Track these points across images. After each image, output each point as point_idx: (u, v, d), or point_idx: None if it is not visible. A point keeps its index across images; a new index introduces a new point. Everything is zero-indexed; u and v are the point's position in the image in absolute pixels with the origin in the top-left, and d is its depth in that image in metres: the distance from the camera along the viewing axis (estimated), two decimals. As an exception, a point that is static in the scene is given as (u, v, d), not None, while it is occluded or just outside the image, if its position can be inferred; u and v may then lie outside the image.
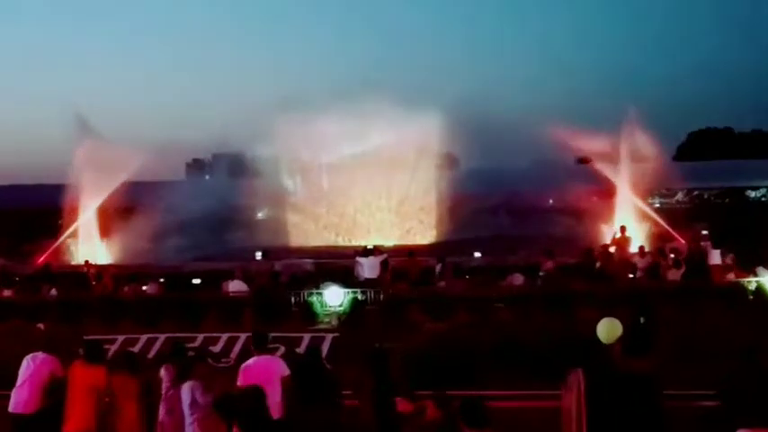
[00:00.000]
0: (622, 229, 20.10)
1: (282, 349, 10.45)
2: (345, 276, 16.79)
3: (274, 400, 7.58)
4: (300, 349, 11.89)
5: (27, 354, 8.85)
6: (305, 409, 7.89)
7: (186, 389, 7.67)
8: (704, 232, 20.90)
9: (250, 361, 8.20)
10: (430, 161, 28.69)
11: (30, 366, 8.64)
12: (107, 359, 9.19)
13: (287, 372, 8.04)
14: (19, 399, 8.53)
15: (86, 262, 20.20)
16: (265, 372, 7.93)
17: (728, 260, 17.06)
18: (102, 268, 19.38)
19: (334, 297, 14.39)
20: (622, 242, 19.39)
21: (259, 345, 8.37)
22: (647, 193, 24.83)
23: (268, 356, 8.32)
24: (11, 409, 8.55)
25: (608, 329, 7.88)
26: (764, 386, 7.45)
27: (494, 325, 13.04)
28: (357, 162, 27.15)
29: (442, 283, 16.14)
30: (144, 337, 13.17)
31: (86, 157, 24.75)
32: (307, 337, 12.80)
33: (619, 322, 8.01)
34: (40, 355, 8.76)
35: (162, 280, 17.50)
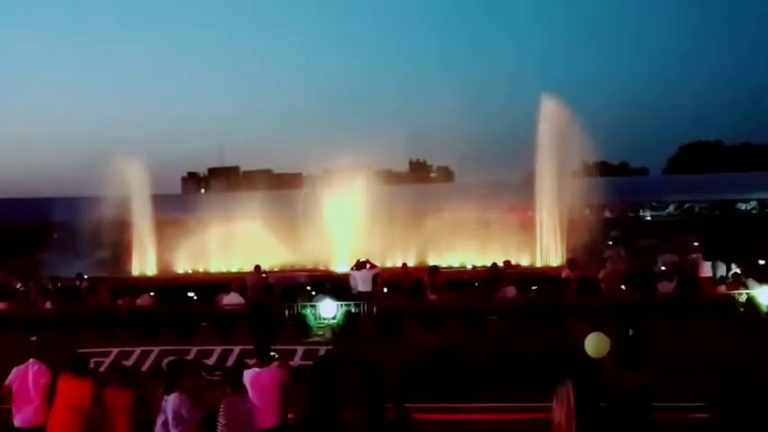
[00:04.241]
0: (614, 241, 20.26)
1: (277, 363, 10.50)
2: (339, 289, 16.84)
3: (275, 409, 7.96)
4: (294, 362, 11.96)
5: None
6: (314, 422, 8.02)
7: (172, 400, 7.69)
8: (695, 244, 21.05)
9: (254, 370, 8.31)
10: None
11: (29, 379, 8.63)
12: (99, 372, 9.21)
13: (285, 379, 8.21)
14: (30, 412, 8.52)
15: (78, 275, 20.18)
16: (267, 382, 8.11)
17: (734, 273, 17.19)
18: (96, 281, 19.37)
19: (327, 310, 14.43)
20: (615, 256, 19.49)
21: (263, 356, 8.49)
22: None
23: (270, 367, 8.43)
24: (22, 423, 8.54)
25: (595, 344, 7.96)
26: (754, 398, 7.55)
27: (486, 337, 13.12)
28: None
29: (434, 296, 16.19)
30: (138, 350, 13.23)
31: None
32: (300, 349, 12.86)
33: (606, 337, 8.09)
34: (34, 366, 8.75)
35: (152, 293, 17.51)
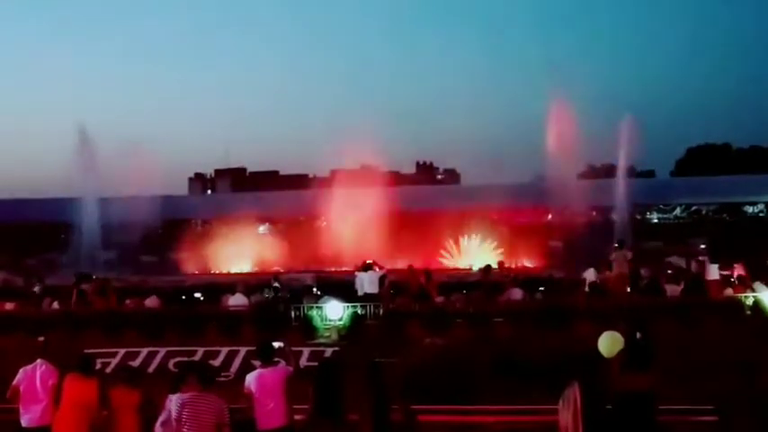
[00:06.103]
0: (620, 244, 20.14)
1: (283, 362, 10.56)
2: (345, 290, 16.86)
3: (281, 409, 8.01)
4: (300, 363, 11.97)
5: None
6: (318, 422, 8.03)
7: (173, 400, 7.73)
8: (702, 246, 20.99)
9: (259, 371, 8.32)
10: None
11: (36, 379, 8.67)
12: (105, 372, 9.22)
13: (289, 373, 8.26)
14: (38, 413, 8.55)
15: (86, 275, 20.17)
16: (273, 382, 8.13)
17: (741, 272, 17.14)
18: (104, 282, 19.41)
19: (334, 311, 14.45)
20: (620, 258, 19.41)
21: (265, 356, 8.50)
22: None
23: (273, 367, 8.45)
24: (29, 423, 8.57)
25: (609, 343, 7.95)
26: (761, 401, 7.52)
27: (492, 340, 13.10)
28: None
29: (440, 299, 16.19)
30: (145, 351, 13.28)
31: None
32: (307, 350, 12.88)
33: (620, 335, 8.09)
34: (41, 366, 8.79)
35: (159, 295, 17.52)
